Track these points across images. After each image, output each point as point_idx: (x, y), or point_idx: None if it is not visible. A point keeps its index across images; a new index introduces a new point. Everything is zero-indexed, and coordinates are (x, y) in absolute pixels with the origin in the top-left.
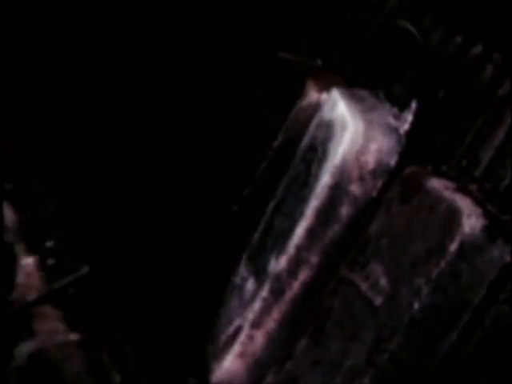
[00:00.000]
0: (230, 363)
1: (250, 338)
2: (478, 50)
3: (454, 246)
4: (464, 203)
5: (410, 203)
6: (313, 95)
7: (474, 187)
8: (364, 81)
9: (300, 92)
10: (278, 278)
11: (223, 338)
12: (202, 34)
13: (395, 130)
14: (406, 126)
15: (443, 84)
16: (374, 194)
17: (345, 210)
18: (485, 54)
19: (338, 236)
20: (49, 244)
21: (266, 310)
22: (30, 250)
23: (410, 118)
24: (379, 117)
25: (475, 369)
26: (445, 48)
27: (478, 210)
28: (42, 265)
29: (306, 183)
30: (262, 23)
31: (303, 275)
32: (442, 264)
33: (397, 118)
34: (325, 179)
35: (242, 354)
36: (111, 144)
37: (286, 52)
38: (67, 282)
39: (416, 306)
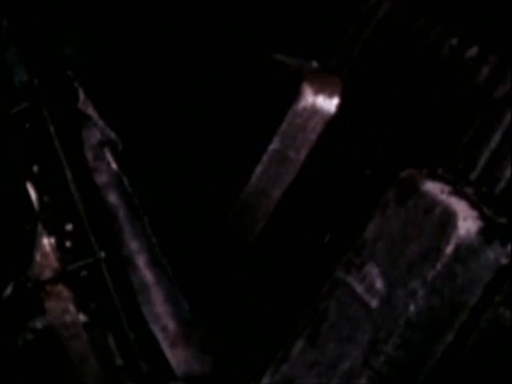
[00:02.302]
0: None
1: None
2: (473, 51)
3: (449, 249)
4: (460, 206)
5: (405, 206)
6: (308, 98)
7: (469, 190)
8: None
9: (295, 95)
10: None
11: None
12: (198, 37)
13: None
14: None
15: (439, 86)
16: None
17: None
18: (480, 55)
19: None
20: (68, 227)
21: None
22: (50, 232)
23: None
24: None
25: (471, 371)
26: (440, 50)
27: (474, 213)
28: (59, 246)
29: None
30: (256, 25)
31: None
32: (438, 266)
33: None
34: None
35: None
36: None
37: (281, 54)
38: (82, 264)
39: (412, 308)
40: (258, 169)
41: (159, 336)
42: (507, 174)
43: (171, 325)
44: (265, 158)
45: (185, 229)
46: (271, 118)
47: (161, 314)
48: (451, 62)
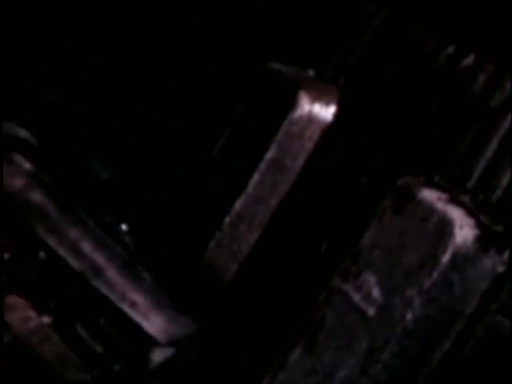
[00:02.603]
0: None
1: None
2: (470, 60)
3: (446, 257)
4: (456, 214)
5: (402, 214)
6: (305, 106)
7: (466, 198)
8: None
9: (292, 103)
10: None
11: None
12: (196, 47)
13: None
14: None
15: (436, 94)
16: None
17: None
18: (477, 64)
19: None
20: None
21: None
22: None
23: None
24: None
25: (468, 378)
26: (437, 58)
27: (471, 221)
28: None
29: None
30: (254, 34)
31: None
32: (435, 275)
33: None
34: None
35: None
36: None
37: (277, 62)
38: (27, 270)
39: (409, 316)
40: (255, 177)
41: (130, 312)
42: (504, 182)
43: (138, 298)
44: (262, 166)
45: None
46: (268, 127)
47: (125, 292)
48: (448, 71)
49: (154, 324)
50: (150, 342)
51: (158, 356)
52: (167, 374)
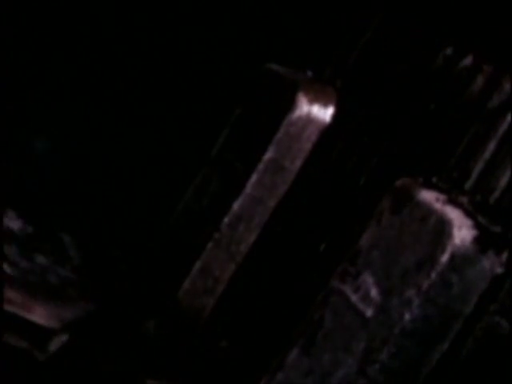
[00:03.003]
0: None
1: None
2: (468, 61)
3: (444, 258)
4: (455, 215)
5: (400, 215)
6: (303, 108)
7: (464, 199)
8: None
9: (290, 104)
10: None
11: None
12: (194, 48)
13: None
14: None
15: (434, 95)
16: None
17: None
18: (475, 65)
19: None
20: None
21: None
22: None
23: None
24: None
25: (467, 379)
26: (435, 59)
27: (469, 222)
28: None
29: None
30: (252, 35)
31: None
32: (433, 275)
33: None
34: None
35: None
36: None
37: (276, 64)
38: None
39: (407, 317)
40: (254, 178)
41: (12, 309)
42: (502, 183)
43: (13, 295)
44: (260, 166)
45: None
46: (266, 127)
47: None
48: (446, 72)
49: (40, 314)
50: (43, 331)
51: (53, 345)
52: (64, 360)
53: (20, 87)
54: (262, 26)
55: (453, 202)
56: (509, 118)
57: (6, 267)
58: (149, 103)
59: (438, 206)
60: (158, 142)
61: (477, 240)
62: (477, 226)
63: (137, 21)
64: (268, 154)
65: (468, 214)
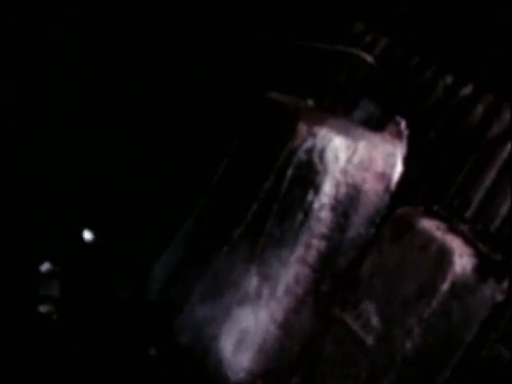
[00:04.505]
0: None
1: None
2: (468, 89)
3: (445, 286)
4: (455, 243)
5: (401, 243)
6: (304, 136)
7: (465, 227)
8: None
9: (291, 133)
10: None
11: (227, 336)
12: (196, 73)
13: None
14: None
15: (434, 123)
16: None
17: None
18: (475, 93)
19: None
20: None
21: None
22: None
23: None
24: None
25: None
26: (435, 87)
27: (470, 250)
28: None
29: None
30: (254, 63)
31: None
32: (434, 303)
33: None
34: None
35: (260, 354)
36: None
37: (277, 92)
38: None
39: (408, 345)
40: (254, 207)
41: None
42: (502, 211)
43: None
44: (261, 195)
45: None
46: (267, 156)
47: None
48: (446, 100)
49: None
50: None
51: None
52: None
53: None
54: (264, 54)
55: (453, 230)
56: (509, 146)
57: None
58: (149, 131)
59: (438, 234)
60: (158, 169)
61: (477, 268)
62: (477, 254)
63: (133, 57)
64: (268, 183)
65: (469, 242)
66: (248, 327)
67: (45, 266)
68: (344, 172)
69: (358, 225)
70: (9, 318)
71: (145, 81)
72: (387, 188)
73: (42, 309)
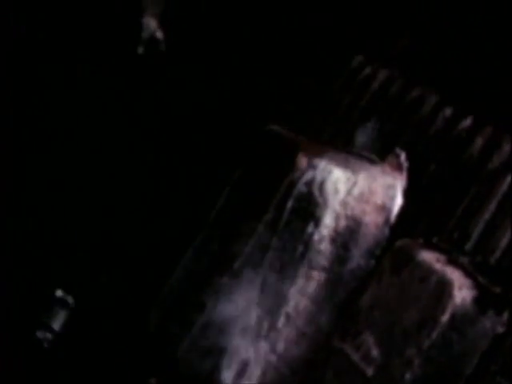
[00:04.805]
0: None
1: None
2: (468, 122)
3: (445, 318)
4: (455, 275)
5: (401, 275)
6: (304, 169)
7: (465, 260)
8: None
9: (291, 165)
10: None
11: (227, 368)
12: (193, 107)
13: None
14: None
15: (433, 155)
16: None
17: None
18: (475, 125)
19: None
20: None
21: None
22: None
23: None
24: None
25: None
26: (435, 119)
27: (469, 282)
28: None
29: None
30: (254, 95)
31: None
32: (434, 335)
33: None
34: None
35: None
36: None
37: (276, 125)
38: None
39: (408, 376)
40: (254, 239)
41: None
42: (502, 244)
43: None
44: (260, 228)
45: None
46: (266, 188)
47: None
48: (446, 132)
49: None
50: None
51: None
52: None
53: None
54: (263, 86)
55: (453, 262)
56: (509, 178)
57: None
58: (149, 163)
59: (438, 266)
60: (158, 202)
61: (477, 300)
62: (477, 286)
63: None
64: (268, 215)
65: (468, 274)
66: (248, 358)
67: (57, 293)
68: (344, 204)
69: (357, 256)
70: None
71: (138, 123)
72: (387, 220)
73: (40, 335)
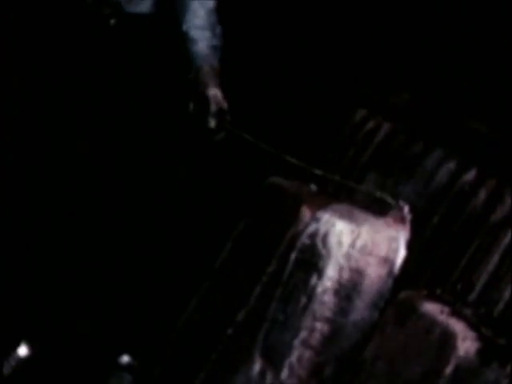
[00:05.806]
0: None
1: None
2: (471, 175)
3: (449, 369)
4: (459, 327)
5: (404, 326)
6: (307, 221)
7: (468, 311)
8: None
9: (294, 218)
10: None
11: None
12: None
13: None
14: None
15: (437, 209)
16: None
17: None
18: (478, 179)
19: None
20: None
21: None
22: None
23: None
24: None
25: None
26: (438, 173)
27: (473, 334)
28: None
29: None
30: (255, 148)
31: None
32: None
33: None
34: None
35: None
36: None
37: (279, 177)
38: None
39: None
40: (257, 290)
41: None
42: (505, 295)
43: None
44: (264, 279)
45: None
46: (270, 241)
47: None
48: (449, 185)
49: None
50: None
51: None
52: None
53: None
54: (265, 137)
55: (457, 314)
56: (511, 231)
57: None
58: (152, 214)
59: (441, 318)
60: (162, 253)
61: (481, 352)
62: (481, 338)
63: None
64: (271, 267)
65: (472, 326)
66: None
67: (123, 359)
68: (347, 256)
69: (361, 308)
70: None
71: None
72: (390, 272)
73: None
